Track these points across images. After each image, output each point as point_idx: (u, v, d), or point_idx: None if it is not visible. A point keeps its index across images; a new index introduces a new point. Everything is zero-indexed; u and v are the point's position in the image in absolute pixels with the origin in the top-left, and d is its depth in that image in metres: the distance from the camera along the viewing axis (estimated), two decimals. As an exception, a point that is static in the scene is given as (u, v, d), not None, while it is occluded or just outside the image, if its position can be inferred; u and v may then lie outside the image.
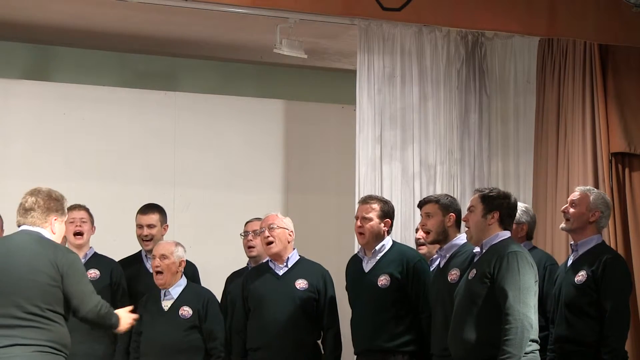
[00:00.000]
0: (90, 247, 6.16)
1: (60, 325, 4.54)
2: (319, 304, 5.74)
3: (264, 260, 5.99)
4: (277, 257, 5.78)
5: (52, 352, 4.49)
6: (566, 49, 6.99)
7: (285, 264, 5.78)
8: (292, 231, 5.82)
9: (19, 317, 4.45)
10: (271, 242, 5.74)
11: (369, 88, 6.79)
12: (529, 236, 5.60)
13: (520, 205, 5.60)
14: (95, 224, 6.18)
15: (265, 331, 5.66)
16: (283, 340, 5.62)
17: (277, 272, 5.78)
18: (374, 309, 5.51)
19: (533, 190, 7.01)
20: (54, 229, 4.73)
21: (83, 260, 6.01)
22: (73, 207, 6.04)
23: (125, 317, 4.87)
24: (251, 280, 5.84)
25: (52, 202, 4.74)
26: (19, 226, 4.74)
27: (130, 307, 5.03)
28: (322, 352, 5.78)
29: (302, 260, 5.85)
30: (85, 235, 6.08)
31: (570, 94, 6.93)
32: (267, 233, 5.75)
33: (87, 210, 6.14)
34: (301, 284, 5.74)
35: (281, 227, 5.77)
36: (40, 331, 4.46)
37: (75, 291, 4.58)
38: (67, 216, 4.87)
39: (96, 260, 6.11)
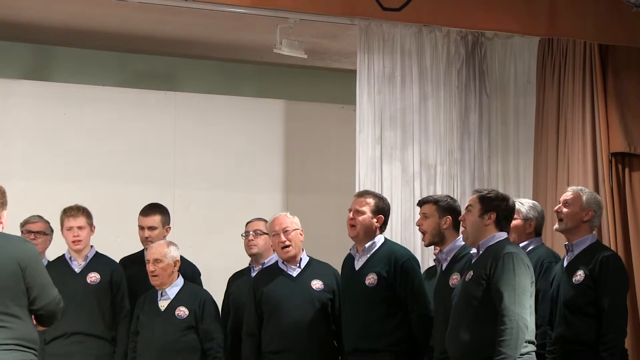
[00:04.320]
0: (92, 247, 6.12)
1: (23, 321, 4.48)
2: (334, 303, 5.72)
3: (269, 261, 5.97)
4: (291, 259, 5.76)
5: (19, 350, 4.44)
6: (566, 49, 7.00)
7: (298, 265, 5.76)
8: (302, 230, 5.80)
9: None
10: (288, 246, 5.71)
11: (369, 88, 6.79)
12: (537, 232, 5.58)
13: (529, 202, 5.63)
14: (95, 224, 6.12)
15: (286, 334, 5.61)
16: (306, 342, 5.58)
17: (291, 273, 5.74)
18: (362, 307, 5.47)
19: (533, 191, 7.01)
20: (4, 223, 4.67)
21: (84, 263, 6.04)
22: (70, 214, 6.02)
23: None
24: (263, 282, 5.77)
25: (3, 197, 4.71)
26: None
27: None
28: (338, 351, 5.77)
29: (312, 261, 5.82)
30: (83, 242, 6.03)
31: (570, 94, 6.94)
32: (283, 237, 5.70)
33: (84, 212, 6.06)
34: (317, 284, 5.71)
35: (295, 229, 5.74)
36: (3, 330, 4.41)
37: (37, 284, 4.52)
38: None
39: (97, 261, 6.07)
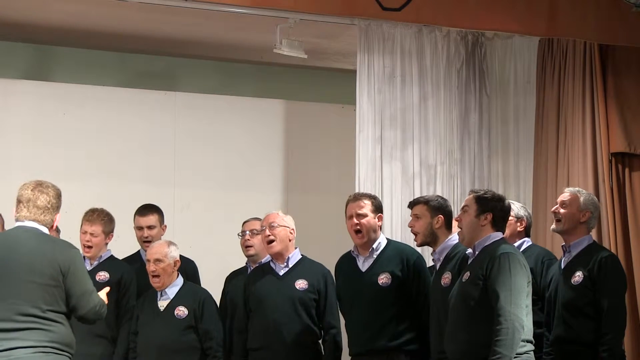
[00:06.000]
0: (108, 250, 6.14)
1: (62, 324, 4.51)
2: (319, 304, 5.72)
3: (265, 260, 5.98)
4: (278, 256, 5.76)
5: (55, 352, 4.46)
6: (566, 49, 7.00)
7: (285, 263, 5.76)
8: (293, 229, 5.79)
9: (19, 320, 4.41)
10: (272, 241, 5.72)
11: (369, 88, 6.80)
12: (527, 233, 5.61)
13: (519, 203, 5.70)
14: (114, 232, 6.13)
15: (265, 332, 5.65)
16: (283, 341, 5.61)
17: (278, 272, 5.77)
18: (375, 308, 5.46)
19: (533, 190, 7.01)
20: (55, 225, 4.72)
21: (96, 262, 6.08)
22: (88, 218, 6.04)
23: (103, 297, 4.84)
24: (253, 280, 5.82)
25: (59, 201, 4.72)
26: (19, 220, 4.63)
27: (107, 289, 4.96)
28: (323, 352, 5.77)
29: (303, 260, 5.83)
30: (94, 248, 6.04)
31: (570, 94, 6.94)
32: (267, 232, 5.72)
33: (102, 220, 6.05)
34: (301, 284, 5.72)
35: (282, 226, 5.74)
36: (41, 332, 4.43)
37: (76, 291, 4.54)
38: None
39: (109, 263, 6.09)
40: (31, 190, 4.65)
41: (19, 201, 4.65)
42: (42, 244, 4.56)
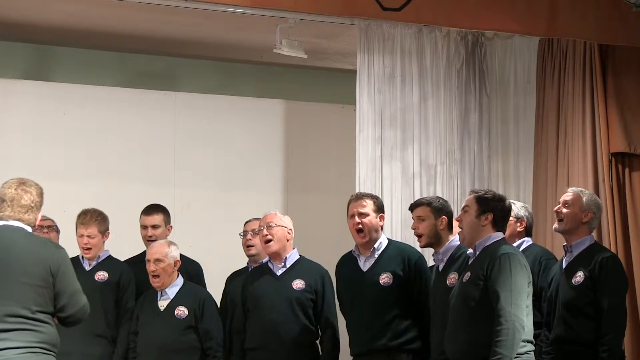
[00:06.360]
0: (106, 250, 6.16)
1: (49, 325, 4.51)
2: (316, 304, 5.73)
3: (264, 261, 5.98)
4: (276, 256, 5.77)
5: (43, 353, 4.46)
6: (566, 49, 7.00)
7: (283, 263, 5.77)
8: (290, 229, 5.81)
9: (10, 321, 4.40)
10: (269, 241, 5.73)
11: (369, 88, 6.80)
12: (527, 232, 5.61)
13: (520, 203, 5.70)
14: (109, 229, 6.16)
15: (262, 331, 5.67)
16: (280, 341, 5.62)
17: (276, 272, 5.78)
18: (377, 308, 5.48)
19: (533, 190, 7.01)
20: (36, 224, 4.72)
21: (95, 263, 6.10)
22: (82, 222, 6.06)
23: None
24: (251, 281, 5.84)
25: (42, 199, 4.71)
26: (3, 219, 4.58)
27: None
28: (320, 352, 5.78)
29: (301, 260, 5.84)
30: (93, 249, 6.06)
31: (570, 94, 6.94)
32: (265, 232, 5.74)
33: (97, 221, 6.08)
34: (298, 284, 5.73)
35: (279, 226, 5.75)
36: (31, 333, 4.43)
37: (67, 290, 4.54)
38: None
39: (108, 262, 6.12)
40: (15, 189, 4.63)
41: (2, 200, 4.62)
42: (32, 245, 4.55)
